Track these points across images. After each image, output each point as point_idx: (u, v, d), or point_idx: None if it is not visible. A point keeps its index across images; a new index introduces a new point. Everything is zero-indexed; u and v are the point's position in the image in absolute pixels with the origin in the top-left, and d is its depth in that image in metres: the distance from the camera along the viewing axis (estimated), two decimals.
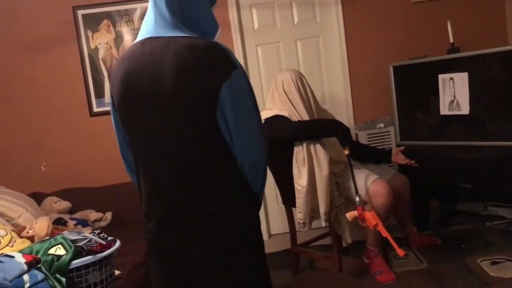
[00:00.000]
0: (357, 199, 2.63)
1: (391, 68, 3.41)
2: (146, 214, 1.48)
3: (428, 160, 3.28)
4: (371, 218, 2.56)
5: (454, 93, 3.08)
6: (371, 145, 3.45)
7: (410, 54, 3.45)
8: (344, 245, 2.88)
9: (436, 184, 3.34)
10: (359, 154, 3.02)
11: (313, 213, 2.77)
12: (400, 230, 3.20)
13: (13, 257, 1.70)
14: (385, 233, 2.55)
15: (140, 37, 1.43)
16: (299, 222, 2.78)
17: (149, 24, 1.42)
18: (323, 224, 2.74)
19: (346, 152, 2.70)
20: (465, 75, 3.02)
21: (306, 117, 2.81)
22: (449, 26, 3.23)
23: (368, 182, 2.73)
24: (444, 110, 3.16)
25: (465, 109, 3.05)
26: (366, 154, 3.10)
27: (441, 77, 3.14)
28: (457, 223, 3.46)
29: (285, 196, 3.02)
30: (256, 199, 1.47)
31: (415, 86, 3.37)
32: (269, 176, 3.08)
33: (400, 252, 2.51)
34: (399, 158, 3.04)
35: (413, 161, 3.01)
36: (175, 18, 1.39)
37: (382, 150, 3.22)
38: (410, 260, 3.01)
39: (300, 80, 2.89)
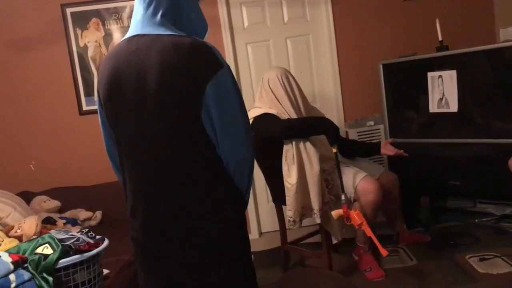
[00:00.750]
0: (343, 197, 2.64)
1: (381, 65, 3.42)
2: (132, 213, 1.47)
3: (417, 158, 3.30)
4: (356, 217, 2.57)
5: (443, 91, 3.10)
6: (359, 140, 3.46)
7: (399, 52, 3.46)
8: (334, 242, 2.89)
9: (426, 181, 3.36)
10: (348, 150, 3.03)
11: (303, 210, 2.78)
12: (390, 227, 3.22)
13: None
14: (369, 233, 2.56)
15: (128, 34, 1.43)
16: (289, 220, 2.78)
17: (136, 21, 1.42)
18: (317, 221, 2.74)
19: (334, 150, 2.70)
20: (453, 73, 3.04)
21: (293, 115, 2.83)
22: (437, 24, 3.24)
23: (356, 180, 2.74)
24: (433, 107, 3.18)
25: (453, 107, 3.06)
26: (356, 149, 3.11)
27: (430, 75, 3.16)
28: (446, 220, 3.48)
29: (275, 194, 3.02)
30: (242, 197, 1.47)
31: (404, 83, 3.38)
32: (260, 174, 3.10)
33: (384, 252, 2.52)
34: (388, 149, 3.01)
35: (402, 151, 2.98)
36: (163, 16, 1.38)
37: (370, 143, 3.22)
38: (400, 257, 3.03)
39: (286, 78, 2.90)
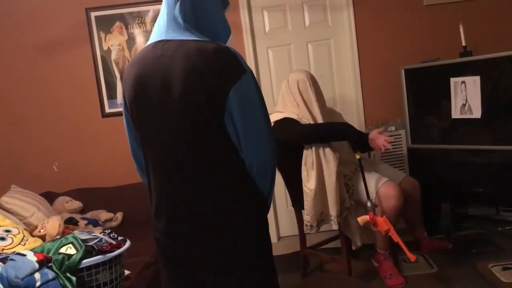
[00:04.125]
0: (369, 204, 2.62)
1: (403, 71, 3.39)
2: (156, 214, 1.49)
3: (439, 164, 3.27)
4: (383, 223, 2.55)
5: (466, 97, 3.06)
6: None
7: (421, 57, 3.43)
8: (353, 248, 2.87)
9: (447, 187, 3.31)
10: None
11: (322, 216, 2.77)
12: (410, 234, 3.18)
13: (24, 255, 1.72)
14: (396, 238, 2.54)
15: (152, 40, 1.45)
16: (306, 224, 2.78)
17: (161, 27, 1.44)
18: (334, 227, 2.73)
19: (358, 156, 2.68)
20: (477, 79, 3.00)
21: (319, 117, 2.80)
22: (461, 29, 3.21)
23: (378, 185, 2.72)
24: (455, 113, 3.14)
25: (477, 113, 3.02)
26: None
27: (453, 80, 3.12)
28: (468, 228, 3.43)
29: (294, 198, 3.02)
30: (264, 201, 1.48)
31: (427, 89, 3.35)
32: (279, 179, 3.10)
33: (411, 257, 2.50)
34: (376, 144, 2.68)
35: (388, 140, 2.66)
36: (187, 21, 1.40)
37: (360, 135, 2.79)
38: (420, 264, 2.99)
39: (313, 81, 2.89)
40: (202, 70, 1.32)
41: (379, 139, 2.67)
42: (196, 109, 1.34)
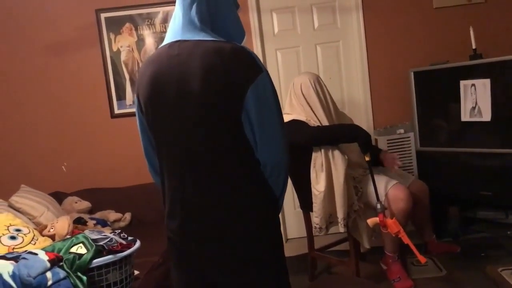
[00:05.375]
0: (378, 206, 2.61)
1: (412, 73, 3.39)
2: (169, 214, 1.50)
3: (448, 167, 3.25)
4: (393, 225, 2.54)
5: (476, 100, 3.05)
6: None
7: (430, 60, 3.43)
8: (361, 250, 2.86)
9: (456, 191, 3.30)
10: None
11: (331, 218, 2.76)
12: (419, 236, 3.17)
13: (36, 254, 1.73)
14: (406, 240, 2.54)
15: (167, 40, 1.46)
16: (315, 226, 2.77)
17: (176, 27, 1.44)
18: (341, 229, 2.73)
19: (367, 158, 2.68)
20: (487, 82, 2.99)
21: (325, 121, 2.80)
22: (471, 32, 3.20)
23: (387, 187, 2.71)
24: (465, 116, 3.12)
25: (486, 116, 3.01)
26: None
27: (462, 83, 3.11)
28: (477, 231, 3.42)
29: (302, 200, 3.02)
30: (276, 201, 1.49)
31: (436, 92, 3.34)
32: (288, 180, 3.09)
33: (422, 259, 2.50)
34: (388, 162, 2.87)
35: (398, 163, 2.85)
36: (203, 22, 1.41)
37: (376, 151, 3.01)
38: (429, 267, 2.98)
39: (319, 83, 2.88)
40: (219, 70, 1.33)
41: (388, 158, 2.87)
42: (214, 109, 1.35)
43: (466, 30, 3.25)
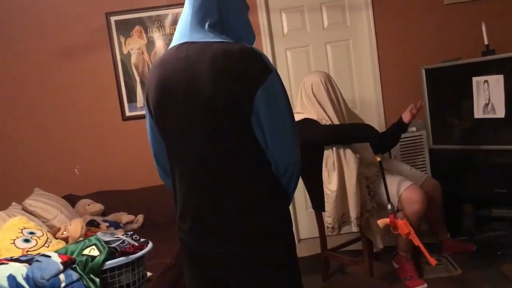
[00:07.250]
0: (389, 207, 2.58)
1: (423, 70, 3.36)
2: (181, 215, 1.49)
3: (461, 165, 3.21)
4: (403, 227, 2.51)
5: (489, 96, 3.01)
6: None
7: (442, 57, 3.39)
8: (375, 250, 2.84)
9: (470, 188, 3.26)
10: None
11: (344, 218, 2.74)
12: (433, 236, 3.13)
13: (49, 256, 1.74)
14: (417, 242, 2.50)
15: (174, 42, 1.45)
16: (327, 226, 2.76)
17: (184, 29, 1.44)
18: (354, 229, 2.71)
19: (379, 158, 2.65)
20: (500, 78, 2.94)
21: (335, 120, 2.79)
22: (483, 28, 3.16)
23: (401, 189, 2.67)
24: (478, 113, 3.08)
25: (500, 112, 2.97)
26: (389, 140, 2.80)
27: (475, 79, 3.07)
28: (492, 229, 3.37)
29: (314, 200, 3.00)
30: (287, 201, 1.48)
31: (448, 89, 3.30)
32: (299, 180, 3.08)
33: (433, 261, 2.47)
34: (407, 115, 2.75)
35: (419, 102, 2.77)
36: (211, 24, 1.41)
37: (394, 124, 2.84)
38: (444, 266, 2.95)
39: (330, 82, 2.86)
40: (229, 71, 1.32)
41: (405, 114, 2.75)
42: (224, 110, 1.34)
43: (477, 26, 3.21)
